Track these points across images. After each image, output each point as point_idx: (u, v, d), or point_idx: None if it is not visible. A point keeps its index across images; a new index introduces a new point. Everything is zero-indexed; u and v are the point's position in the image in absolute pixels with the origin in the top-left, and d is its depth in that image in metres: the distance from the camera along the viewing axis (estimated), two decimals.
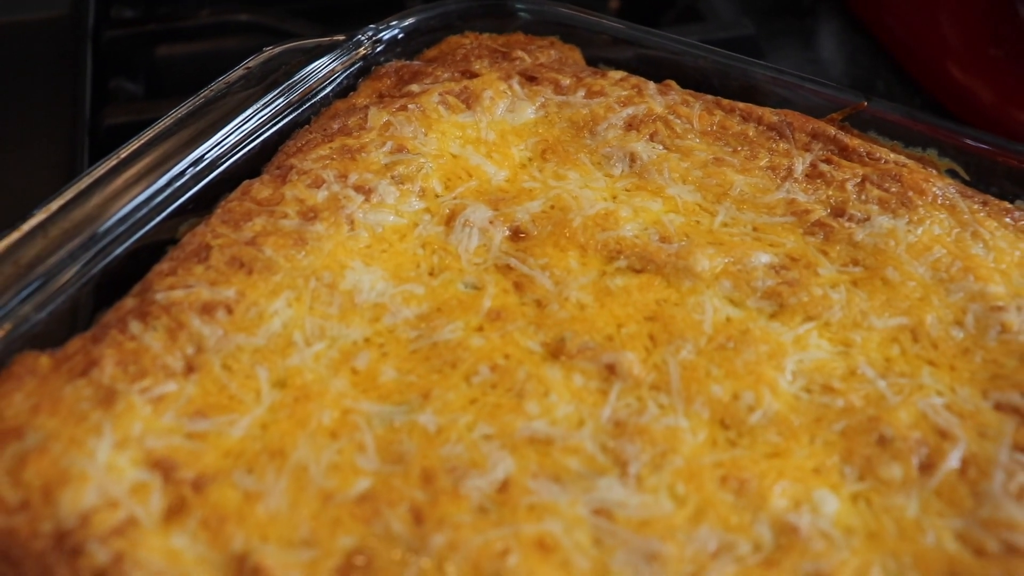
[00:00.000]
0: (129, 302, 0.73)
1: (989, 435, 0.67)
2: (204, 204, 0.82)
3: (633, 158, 0.86)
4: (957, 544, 0.62)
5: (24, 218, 0.75)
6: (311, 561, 0.60)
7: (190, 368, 0.69)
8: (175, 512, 0.62)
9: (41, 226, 0.75)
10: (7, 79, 1.26)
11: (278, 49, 0.92)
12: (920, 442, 0.67)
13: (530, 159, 0.88)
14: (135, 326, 0.71)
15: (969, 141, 0.88)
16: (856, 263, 0.79)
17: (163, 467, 0.64)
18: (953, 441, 0.67)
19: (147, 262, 0.77)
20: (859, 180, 0.84)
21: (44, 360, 0.69)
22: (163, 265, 0.76)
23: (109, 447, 0.64)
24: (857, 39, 1.72)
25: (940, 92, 1.46)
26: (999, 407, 0.69)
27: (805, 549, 0.61)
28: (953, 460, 0.66)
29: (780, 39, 1.60)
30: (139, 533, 0.60)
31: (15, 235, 0.74)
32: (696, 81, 0.97)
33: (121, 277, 0.76)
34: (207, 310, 0.72)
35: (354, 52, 0.95)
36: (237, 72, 0.89)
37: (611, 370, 0.70)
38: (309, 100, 0.91)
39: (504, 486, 0.64)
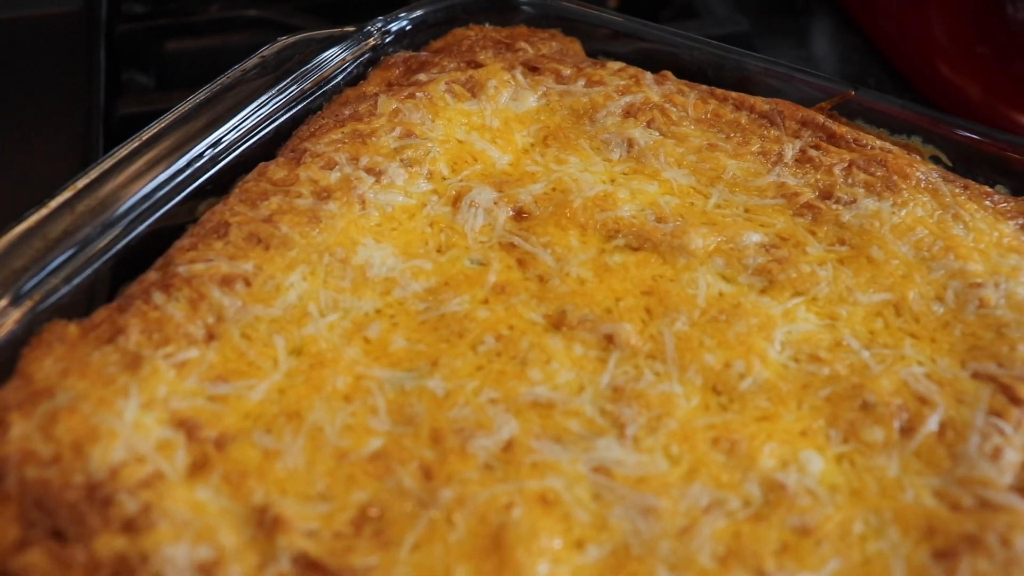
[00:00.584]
0: (152, 275, 0.77)
1: (966, 401, 0.71)
2: (222, 185, 0.86)
3: (631, 144, 0.90)
4: (934, 500, 0.66)
5: (52, 196, 0.78)
6: (327, 513, 0.64)
7: (211, 336, 0.73)
8: (199, 468, 0.66)
9: (68, 203, 0.78)
10: (24, 71, 1.30)
11: (292, 39, 0.95)
12: (901, 407, 0.71)
13: (532, 144, 0.92)
14: (158, 297, 0.74)
15: (952, 129, 0.92)
16: (843, 242, 0.83)
17: (187, 427, 0.68)
18: (932, 407, 0.71)
19: (168, 239, 0.81)
20: (846, 165, 0.88)
21: (72, 328, 0.73)
22: (184, 241, 0.80)
23: (136, 407, 0.68)
24: (849, 37, 1.76)
25: (930, 89, 1.50)
26: (976, 376, 0.73)
27: (792, 505, 0.65)
28: (932, 424, 0.70)
29: (774, 37, 1.64)
30: (165, 486, 0.64)
31: (43, 211, 0.77)
32: (692, 73, 1.01)
33: (143, 253, 0.80)
34: (226, 282, 0.76)
35: (364, 43, 0.99)
36: (253, 61, 0.93)
37: (610, 340, 0.74)
38: (321, 88, 0.95)
39: (509, 446, 0.68)
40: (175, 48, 1.41)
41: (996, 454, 0.68)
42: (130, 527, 0.61)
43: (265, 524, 0.62)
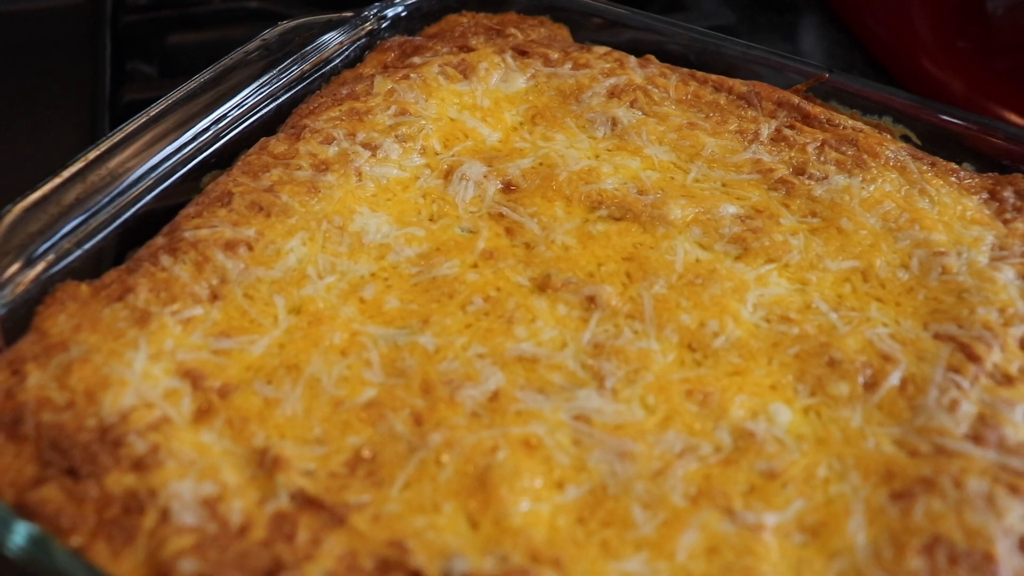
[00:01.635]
0: (159, 240, 0.81)
1: (927, 359, 0.76)
2: (225, 159, 0.90)
3: (614, 122, 0.95)
4: (894, 448, 0.70)
5: (65, 166, 0.83)
6: (324, 455, 0.68)
7: (215, 296, 0.78)
8: (203, 414, 0.70)
9: (80, 173, 0.83)
10: (33, 61, 1.35)
11: (292, 23, 1.00)
12: (865, 364, 0.75)
13: (521, 123, 0.96)
14: (165, 259, 0.79)
15: (920, 110, 0.96)
16: (814, 215, 0.87)
17: (192, 377, 0.72)
18: (895, 363, 0.75)
19: (174, 208, 0.85)
20: (819, 144, 0.93)
21: (84, 288, 0.78)
22: (189, 209, 0.84)
23: (144, 359, 0.72)
24: (834, 33, 1.81)
25: (913, 84, 1.54)
26: (937, 336, 0.78)
27: (760, 451, 0.70)
28: (894, 379, 0.74)
29: (761, 32, 1.69)
30: (172, 429, 0.68)
31: (57, 180, 0.82)
32: (675, 59, 1.06)
33: (150, 220, 0.84)
34: (230, 247, 0.80)
35: (361, 27, 1.03)
36: (255, 43, 0.97)
37: (591, 301, 0.79)
38: (320, 70, 0.99)
39: (495, 396, 0.72)
40: (177, 41, 1.46)
41: (953, 406, 0.72)
42: (139, 465, 0.65)
43: (265, 464, 0.67)
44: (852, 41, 1.76)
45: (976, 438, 0.70)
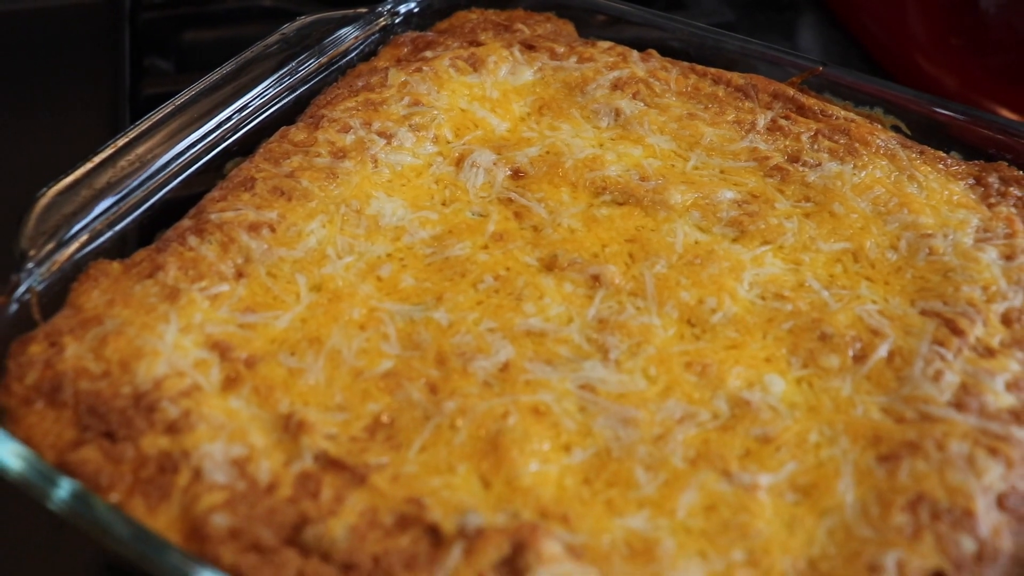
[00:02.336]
0: (186, 222, 0.86)
1: (913, 333, 0.80)
2: (247, 147, 0.94)
3: (618, 113, 0.99)
4: (881, 415, 0.74)
5: (95, 152, 0.87)
6: (345, 421, 0.72)
7: (240, 274, 0.82)
8: (231, 382, 0.74)
9: (110, 158, 0.87)
10: (56, 56, 1.39)
11: (309, 19, 1.05)
12: (855, 338, 0.79)
13: (528, 114, 1.01)
14: (192, 240, 0.83)
15: (910, 101, 1.01)
16: (808, 199, 0.91)
17: (220, 348, 0.76)
18: (883, 337, 0.79)
19: (199, 192, 0.89)
20: (813, 133, 0.97)
21: (116, 265, 0.82)
22: (214, 193, 0.88)
23: (175, 331, 0.76)
24: (831, 31, 1.85)
25: (908, 81, 1.58)
26: (924, 312, 0.82)
27: (755, 418, 0.74)
28: (882, 351, 0.78)
29: (760, 31, 1.73)
30: (203, 396, 0.72)
31: (89, 165, 0.86)
32: (675, 54, 1.10)
33: (176, 204, 0.89)
34: (254, 228, 0.84)
35: (375, 22, 1.08)
36: (274, 37, 1.02)
37: (596, 280, 0.83)
38: (336, 63, 1.04)
39: (505, 367, 0.76)
40: (193, 38, 1.50)
41: (937, 376, 0.76)
42: (172, 429, 0.70)
43: (291, 428, 0.71)
44: (849, 39, 1.81)
45: (959, 405, 0.74)
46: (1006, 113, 1.52)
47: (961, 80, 1.62)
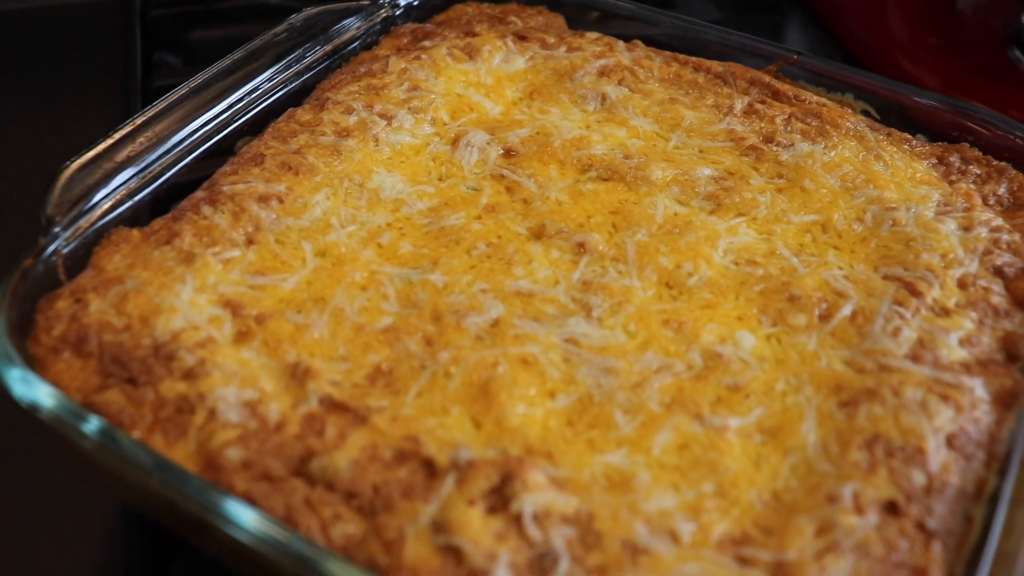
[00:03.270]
0: (200, 194, 0.92)
1: (876, 295, 0.86)
2: (257, 127, 1.01)
3: (604, 98, 1.06)
4: (843, 366, 0.81)
5: (116, 129, 0.93)
6: (347, 370, 0.79)
7: (250, 241, 0.88)
8: (242, 335, 0.80)
9: (130, 135, 0.93)
10: (73, 50, 1.46)
11: (315, 11, 1.11)
12: (821, 299, 0.86)
13: (520, 98, 1.07)
14: (206, 210, 0.89)
15: (879, 86, 1.07)
16: (780, 176, 0.98)
17: (232, 306, 0.82)
18: (847, 299, 0.86)
19: (211, 168, 0.96)
20: (787, 116, 1.04)
21: (135, 233, 0.88)
22: (226, 168, 0.95)
23: (191, 291, 0.82)
24: (816, 32, 1.92)
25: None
26: (886, 277, 0.88)
27: (727, 369, 0.80)
28: (846, 311, 0.85)
29: (747, 32, 1.80)
30: (216, 347, 0.78)
31: (110, 141, 0.92)
32: (660, 45, 1.17)
33: (191, 177, 0.95)
34: (263, 199, 0.91)
35: (376, 14, 1.15)
36: (282, 27, 1.08)
37: (581, 247, 0.89)
38: (340, 51, 1.11)
39: (496, 323, 0.82)
40: (200, 36, 1.57)
41: (896, 332, 0.82)
42: (189, 375, 0.76)
43: (298, 375, 0.77)
44: (833, 40, 1.87)
45: (914, 357, 0.80)
46: None
47: (940, 79, 1.68)
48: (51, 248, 0.84)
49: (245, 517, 0.66)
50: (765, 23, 1.88)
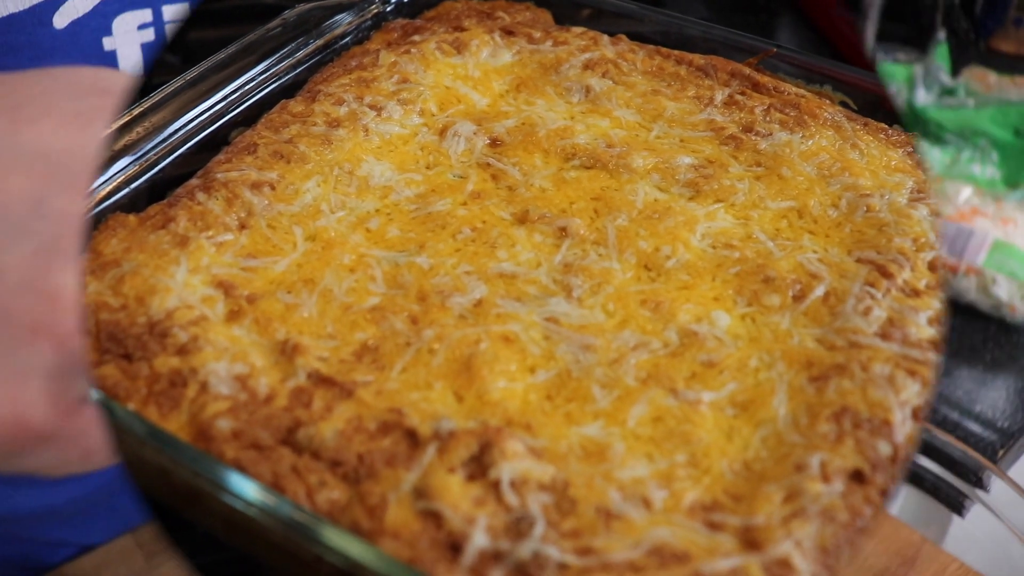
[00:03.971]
0: (195, 181, 0.95)
1: (848, 276, 0.89)
2: (250, 118, 1.04)
3: (588, 90, 1.08)
4: (815, 344, 0.83)
5: (114, 119, 0.96)
6: (335, 347, 0.81)
7: (243, 226, 0.91)
8: (234, 314, 0.83)
9: (127, 124, 0.96)
10: None
11: (307, 7, 1.14)
12: (795, 281, 0.88)
13: (507, 91, 1.10)
14: (201, 196, 0.92)
15: (857, 78, 1.10)
16: (759, 164, 1.00)
17: (224, 286, 0.85)
18: (820, 280, 0.88)
19: (206, 157, 0.99)
20: (766, 107, 1.07)
21: (131, 218, 0.91)
22: (220, 156, 0.98)
23: (185, 272, 0.85)
24: (805, 33, 1.95)
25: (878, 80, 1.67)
26: (859, 260, 0.91)
27: (702, 347, 0.83)
28: (819, 291, 0.87)
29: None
30: (209, 324, 0.81)
31: (107, 130, 0.95)
32: (645, 40, 1.20)
33: (186, 167, 0.98)
34: (256, 186, 0.94)
35: (368, 10, 1.18)
36: (276, 22, 1.11)
37: (563, 231, 0.92)
38: (332, 46, 1.14)
39: (479, 303, 0.85)
40: (197, 36, 1.60)
41: (867, 311, 0.85)
42: (182, 351, 0.79)
43: (287, 351, 0.80)
44: (823, 40, 1.90)
45: (884, 335, 0.83)
46: None
47: None
48: None
49: (236, 483, 0.69)
50: (755, 24, 1.91)
